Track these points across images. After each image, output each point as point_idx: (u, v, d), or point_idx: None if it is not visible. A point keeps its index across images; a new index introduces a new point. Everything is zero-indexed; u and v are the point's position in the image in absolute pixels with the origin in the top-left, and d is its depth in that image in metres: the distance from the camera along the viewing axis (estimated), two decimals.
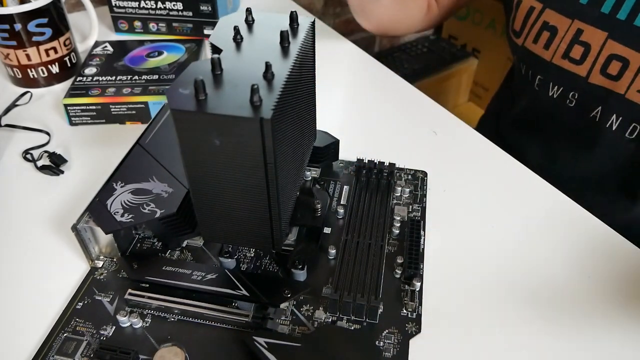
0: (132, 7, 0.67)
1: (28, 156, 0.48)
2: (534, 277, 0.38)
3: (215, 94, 0.28)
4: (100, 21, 0.67)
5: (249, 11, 0.35)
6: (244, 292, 0.34)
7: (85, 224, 0.35)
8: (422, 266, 0.37)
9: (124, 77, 0.54)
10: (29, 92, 0.57)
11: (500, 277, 0.38)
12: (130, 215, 0.35)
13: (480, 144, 0.51)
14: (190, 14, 0.66)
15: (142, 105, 0.51)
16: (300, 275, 0.36)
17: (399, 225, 0.40)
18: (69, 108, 0.51)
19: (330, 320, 0.34)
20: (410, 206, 0.42)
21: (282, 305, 0.34)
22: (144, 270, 0.35)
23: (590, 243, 0.40)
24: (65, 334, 0.33)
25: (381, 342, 0.33)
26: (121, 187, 0.37)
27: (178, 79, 0.28)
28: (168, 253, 0.38)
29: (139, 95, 0.51)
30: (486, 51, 1.28)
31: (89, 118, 0.52)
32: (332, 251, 0.38)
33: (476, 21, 1.27)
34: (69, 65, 0.59)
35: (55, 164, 0.47)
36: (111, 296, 0.35)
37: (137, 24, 0.68)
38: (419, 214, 0.42)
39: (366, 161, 0.44)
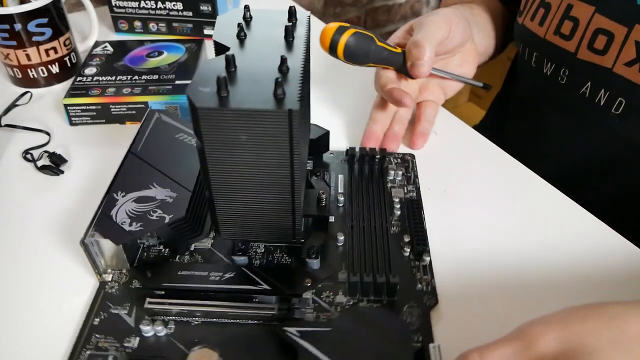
0: (132, 7, 0.67)
1: (28, 156, 0.48)
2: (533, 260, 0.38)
3: (236, 90, 0.28)
4: (100, 21, 0.67)
5: (247, 8, 0.35)
6: (265, 286, 0.34)
7: (94, 238, 0.34)
8: (428, 242, 0.39)
9: (124, 77, 0.54)
10: (29, 92, 0.57)
11: (503, 256, 0.38)
12: (139, 224, 0.34)
13: (480, 144, 0.51)
14: (190, 14, 0.66)
15: (142, 105, 0.51)
16: (315, 264, 0.36)
17: (398, 206, 0.42)
18: (69, 108, 0.51)
19: (351, 302, 0.35)
20: (405, 187, 0.44)
21: (305, 295, 0.35)
22: (159, 278, 0.35)
23: (589, 241, 0.40)
24: (88, 352, 0.32)
25: (404, 317, 0.34)
26: (122, 196, 0.36)
27: (195, 78, 0.29)
28: (178, 258, 0.37)
29: (139, 95, 0.51)
30: None
31: (89, 118, 0.52)
32: (341, 238, 0.39)
33: None
34: (69, 65, 0.59)
35: (55, 164, 0.47)
36: (128, 308, 0.34)
37: (137, 24, 0.68)
38: (414, 194, 0.43)
39: (357, 149, 0.45)
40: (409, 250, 0.38)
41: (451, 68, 0.52)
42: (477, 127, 0.56)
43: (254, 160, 0.29)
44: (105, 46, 0.60)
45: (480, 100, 1.33)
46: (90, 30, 0.64)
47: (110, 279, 0.36)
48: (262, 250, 0.38)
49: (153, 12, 0.67)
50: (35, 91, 0.57)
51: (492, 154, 0.49)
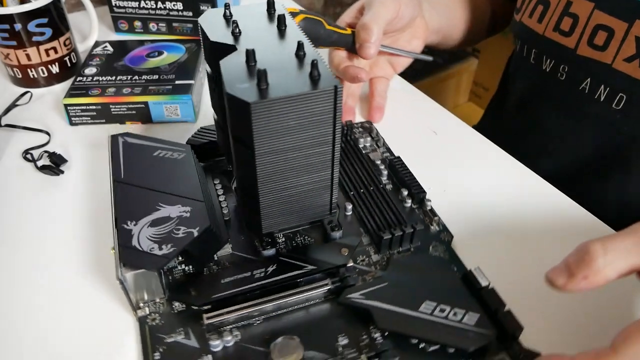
0: (132, 7, 0.67)
1: (28, 156, 0.48)
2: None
3: (270, 80, 0.29)
4: (100, 21, 0.67)
5: (227, 6, 0.35)
6: (310, 266, 0.35)
7: (131, 272, 0.32)
8: (423, 188, 0.42)
9: (124, 77, 0.54)
10: (29, 92, 0.57)
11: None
12: (169, 245, 0.33)
13: (480, 144, 0.51)
14: (190, 14, 0.66)
15: (142, 105, 0.51)
16: (338, 235, 0.38)
17: (383, 167, 0.45)
18: (69, 108, 0.51)
19: (385, 258, 0.38)
20: (378, 150, 0.48)
21: (350, 264, 0.36)
22: (205, 292, 0.34)
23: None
24: None
25: (435, 254, 0.38)
26: (134, 225, 0.34)
27: (228, 77, 0.29)
28: (206, 271, 0.36)
29: (139, 95, 0.51)
30: (486, 51, 1.28)
31: (89, 118, 0.52)
32: (349, 207, 0.41)
33: None
34: (69, 65, 0.59)
35: (55, 164, 0.47)
36: (183, 332, 0.33)
37: (137, 24, 0.68)
38: (389, 154, 0.47)
39: None
40: (410, 201, 0.42)
41: (400, 44, 0.55)
42: (477, 127, 0.56)
43: (299, 143, 0.30)
44: (105, 46, 0.60)
45: (480, 100, 1.33)
46: (90, 30, 0.64)
47: (148, 312, 0.34)
48: (283, 239, 0.38)
49: (153, 12, 0.67)
50: (35, 91, 0.57)
51: (492, 154, 0.49)
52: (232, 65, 0.30)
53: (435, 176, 0.46)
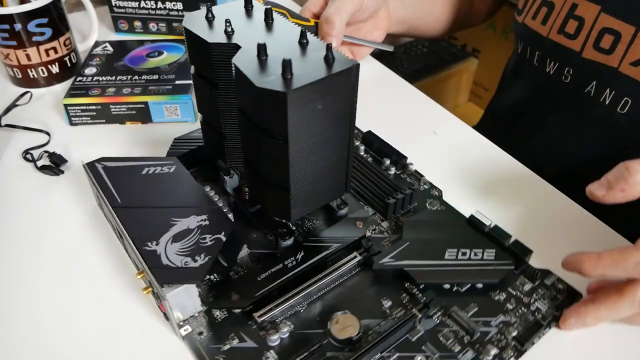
0: (132, 7, 0.66)
1: (28, 156, 0.48)
2: None
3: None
4: (100, 21, 0.67)
5: (208, 8, 0.35)
6: (336, 244, 0.37)
7: (174, 290, 0.31)
8: (402, 154, 0.46)
9: (124, 77, 0.54)
10: (29, 92, 0.57)
11: None
12: (202, 255, 0.33)
13: (480, 144, 0.51)
14: None
15: (142, 105, 0.51)
16: (344, 211, 0.40)
17: (357, 143, 0.48)
18: (69, 108, 0.51)
19: (394, 223, 0.41)
20: None
21: (367, 234, 0.39)
22: (247, 294, 0.34)
23: (590, 242, 0.40)
24: None
25: (434, 209, 0.42)
26: (156, 245, 0.34)
27: (252, 73, 0.29)
28: (233, 275, 0.37)
29: (139, 95, 0.51)
30: (486, 51, 1.28)
31: (89, 118, 0.52)
32: None
33: None
34: (69, 65, 0.59)
35: (55, 164, 0.47)
36: (236, 337, 0.33)
37: (137, 24, 0.68)
38: (357, 131, 0.49)
39: None
40: (393, 168, 0.45)
41: (362, 34, 0.56)
42: (477, 127, 0.56)
43: (324, 124, 0.31)
44: (105, 46, 0.60)
45: (480, 100, 1.33)
46: (90, 30, 0.64)
47: (191, 328, 0.33)
48: (294, 227, 0.39)
49: (153, 12, 0.67)
50: (35, 91, 0.57)
51: (492, 154, 0.49)
52: (246, 62, 0.30)
53: (436, 176, 0.46)
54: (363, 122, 0.51)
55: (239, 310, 0.34)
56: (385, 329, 0.33)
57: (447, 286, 0.36)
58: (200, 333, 0.33)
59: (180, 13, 0.66)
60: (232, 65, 0.31)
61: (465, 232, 0.39)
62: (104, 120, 0.52)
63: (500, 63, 0.71)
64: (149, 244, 0.34)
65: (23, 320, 0.35)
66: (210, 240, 0.34)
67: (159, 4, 0.66)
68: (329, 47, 0.30)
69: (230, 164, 0.40)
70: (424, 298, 0.35)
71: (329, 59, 0.30)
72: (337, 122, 0.32)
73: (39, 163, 0.47)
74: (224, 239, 0.34)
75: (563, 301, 0.35)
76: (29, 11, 0.53)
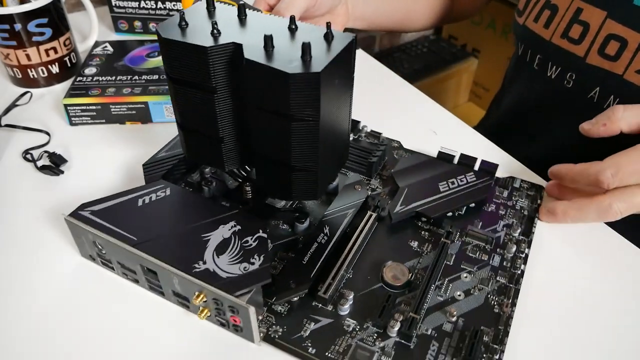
0: (132, 7, 0.67)
1: (28, 156, 0.48)
2: None
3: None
4: (100, 21, 0.68)
5: (181, 14, 0.34)
6: (351, 211, 0.40)
7: (246, 297, 0.31)
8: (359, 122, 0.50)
9: (124, 77, 0.54)
10: (29, 92, 0.57)
11: None
12: (255, 256, 0.34)
13: (480, 144, 0.51)
14: None
15: (142, 105, 0.51)
16: (334, 184, 0.43)
17: None
18: (69, 108, 0.51)
19: (379, 178, 0.45)
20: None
21: (370, 193, 0.43)
22: (304, 278, 0.35)
23: (591, 243, 0.41)
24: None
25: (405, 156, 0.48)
26: (204, 263, 0.33)
27: (276, 66, 0.30)
28: (275, 270, 0.37)
29: (139, 95, 0.51)
30: (486, 51, 1.28)
31: (89, 118, 0.52)
32: None
33: (476, 21, 1.27)
34: (69, 65, 0.59)
35: (55, 164, 0.47)
36: (309, 321, 0.34)
37: (137, 24, 0.68)
38: None
39: None
40: (352, 135, 0.48)
41: None
42: (477, 127, 0.56)
43: (339, 96, 0.34)
44: (105, 46, 0.60)
45: (480, 100, 1.33)
46: (90, 30, 0.64)
47: (266, 329, 0.33)
48: (305, 211, 0.41)
49: (153, 12, 0.67)
50: (35, 91, 0.57)
51: (492, 154, 0.49)
52: (258, 57, 0.31)
53: None
54: (363, 121, 0.51)
55: (297, 298, 0.35)
56: (428, 263, 0.37)
57: (450, 214, 0.41)
58: (276, 331, 0.33)
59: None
60: (247, 63, 0.31)
61: (441, 166, 0.44)
62: (104, 120, 0.52)
63: (500, 63, 0.71)
64: (196, 265, 0.33)
65: (23, 320, 0.35)
66: (254, 241, 0.35)
67: (159, 4, 0.66)
68: (328, 25, 0.32)
69: (228, 167, 0.39)
70: (446, 227, 0.40)
71: (329, 37, 0.32)
72: (345, 90, 0.34)
73: (39, 163, 0.47)
74: (265, 235, 0.35)
75: (535, 195, 0.44)
76: (29, 11, 0.53)
